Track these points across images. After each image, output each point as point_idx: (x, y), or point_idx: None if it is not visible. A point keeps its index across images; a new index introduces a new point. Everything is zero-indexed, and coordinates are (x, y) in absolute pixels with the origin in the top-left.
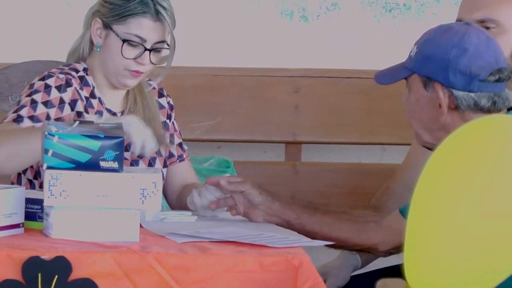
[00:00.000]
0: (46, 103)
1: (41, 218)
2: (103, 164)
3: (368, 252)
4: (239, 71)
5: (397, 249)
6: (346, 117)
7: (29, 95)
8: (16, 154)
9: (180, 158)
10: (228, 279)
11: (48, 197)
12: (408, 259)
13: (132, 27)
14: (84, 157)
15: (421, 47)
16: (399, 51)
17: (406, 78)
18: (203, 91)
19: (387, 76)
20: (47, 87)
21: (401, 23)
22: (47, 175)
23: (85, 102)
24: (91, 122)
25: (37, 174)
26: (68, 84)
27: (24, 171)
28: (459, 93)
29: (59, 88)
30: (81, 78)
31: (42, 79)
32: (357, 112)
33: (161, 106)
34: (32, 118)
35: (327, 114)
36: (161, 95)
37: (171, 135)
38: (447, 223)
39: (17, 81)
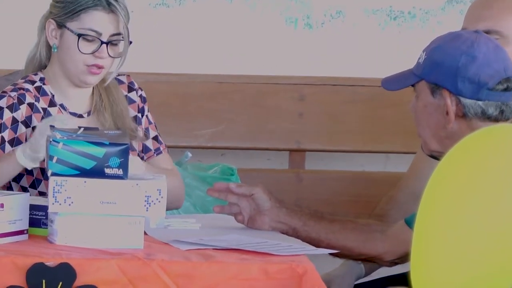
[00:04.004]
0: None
1: (45, 224)
2: (107, 171)
3: (373, 261)
4: (243, 78)
5: (402, 259)
6: (350, 125)
7: None
8: None
9: (157, 152)
10: (232, 287)
11: (53, 204)
12: (414, 269)
13: (85, 22)
14: (88, 164)
15: (430, 54)
16: (403, 59)
17: (413, 85)
18: (207, 98)
19: (394, 82)
20: None
21: (406, 31)
22: (52, 182)
23: (42, 113)
24: (96, 129)
25: (35, 183)
26: (21, 101)
27: (19, 178)
28: (467, 101)
29: (11, 108)
30: (38, 88)
31: None
32: (361, 120)
33: (131, 101)
34: None
35: (331, 122)
36: (131, 89)
37: (146, 129)
38: (454, 232)
39: None
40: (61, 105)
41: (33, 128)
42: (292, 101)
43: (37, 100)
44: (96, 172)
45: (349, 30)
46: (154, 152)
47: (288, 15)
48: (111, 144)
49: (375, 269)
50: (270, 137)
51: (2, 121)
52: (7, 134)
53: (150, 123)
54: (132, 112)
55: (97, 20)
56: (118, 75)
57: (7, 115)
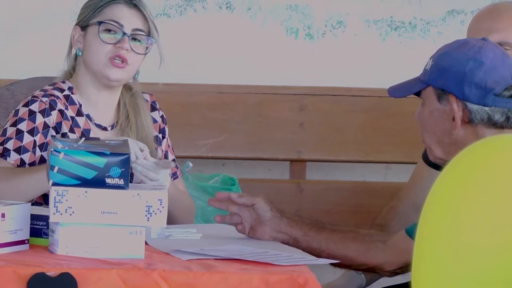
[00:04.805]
0: (32, 131)
1: (46, 234)
2: (108, 181)
3: (373, 271)
4: (244, 88)
5: (403, 269)
6: (351, 135)
7: (14, 124)
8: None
9: (174, 176)
10: None
11: (54, 214)
12: (416, 279)
13: (107, 14)
14: (89, 174)
15: (437, 60)
16: (404, 70)
17: (420, 93)
18: (208, 108)
19: (400, 89)
20: (32, 114)
21: (407, 42)
22: (53, 192)
23: (71, 122)
24: (97, 139)
25: None
26: (52, 107)
27: None
28: (473, 107)
29: (43, 113)
30: (67, 97)
31: (26, 104)
32: (362, 130)
33: (154, 120)
34: (18, 150)
35: (332, 132)
36: (153, 108)
37: (166, 152)
38: (456, 243)
39: (23, 97)
40: (87, 116)
41: (62, 134)
42: (293, 111)
43: (66, 108)
44: (97, 182)
45: (350, 41)
46: (172, 176)
47: (289, 25)
48: (112, 154)
49: (376, 279)
50: (271, 147)
51: (35, 125)
52: (38, 138)
53: (168, 146)
54: (154, 132)
55: (118, 13)
56: (143, 92)
57: (40, 119)
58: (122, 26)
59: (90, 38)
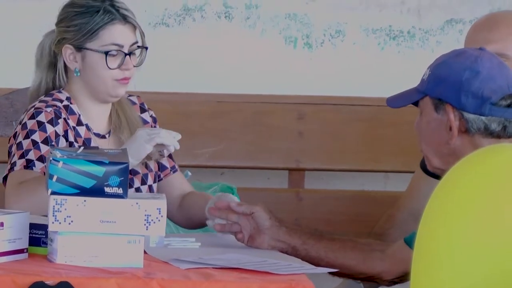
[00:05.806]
0: (46, 141)
1: (45, 243)
2: (107, 190)
3: (372, 280)
4: (243, 97)
5: (402, 278)
6: (350, 144)
7: (27, 136)
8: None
9: (173, 169)
10: None
11: (53, 223)
12: None
13: (106, 38)
14: (88, 183)
15: (434, 70)
16: (403, 79)
17: (418, 102)
18: (207, 117)
19: (398, 100)
20: (41, 124)
21: (405, 51)
22: (52, 201)
23: (73, 131)
24: (96, 148)
25: None
26: (57, 116)
27: None
28: (470, 116)
29: (51, 122)
30: (66, 107)
31: (32, 117)
32: (361, 140)
33: (144, 121)
34: (41, 159)
35: (331, 141)
36: (143, 110)
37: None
38: (454, 252)
39: (21, 106)
40: (86, 125)
41: (70, 143)
42: (291, 120)
43: (68, 117)
44: (96, 191)
45: (348, 50)
46: (171, 170)
47: (288, 35)
48: (111, 163)
49: None
50: (269, 156)
51: (47, 135)
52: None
53: None
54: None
55: (117, 34)
56: (129, 95)
57: (50, 129)
58: (122, 46)
59: (91, 63)
